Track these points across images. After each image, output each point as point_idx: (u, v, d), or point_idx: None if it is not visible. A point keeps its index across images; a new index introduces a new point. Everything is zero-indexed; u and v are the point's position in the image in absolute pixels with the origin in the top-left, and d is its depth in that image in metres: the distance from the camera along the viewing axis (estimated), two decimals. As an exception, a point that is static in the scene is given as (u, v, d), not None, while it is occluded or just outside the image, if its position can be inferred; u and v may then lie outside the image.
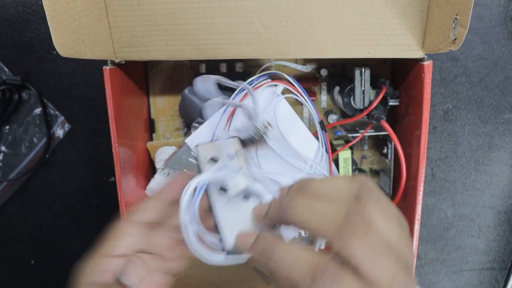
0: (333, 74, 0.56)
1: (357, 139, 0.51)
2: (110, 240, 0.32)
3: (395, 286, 0.22)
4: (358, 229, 0.23)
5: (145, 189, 0.53)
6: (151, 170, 0.57)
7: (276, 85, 0.50)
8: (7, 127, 0.60)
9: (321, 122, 0.51)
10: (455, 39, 0.38)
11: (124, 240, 0.31)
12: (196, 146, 0.27)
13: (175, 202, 0.32)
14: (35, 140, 0.60)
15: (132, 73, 0.52)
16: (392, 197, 0.51)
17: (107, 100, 0.45)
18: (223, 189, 0.27)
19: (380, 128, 0.49)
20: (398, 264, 0.23)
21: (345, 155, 0.52)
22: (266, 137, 0.31)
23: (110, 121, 0.46)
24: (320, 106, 0.57)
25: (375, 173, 0.59)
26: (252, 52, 0.45)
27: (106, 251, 0.31)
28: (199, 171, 0.30)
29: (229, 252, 0.29)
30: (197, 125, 0.52)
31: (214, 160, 0.27)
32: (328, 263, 0.23)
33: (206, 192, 0.28)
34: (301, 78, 0.51)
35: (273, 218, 0.28)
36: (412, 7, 0.42)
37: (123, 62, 0.47)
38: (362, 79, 0.49)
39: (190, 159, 0.50)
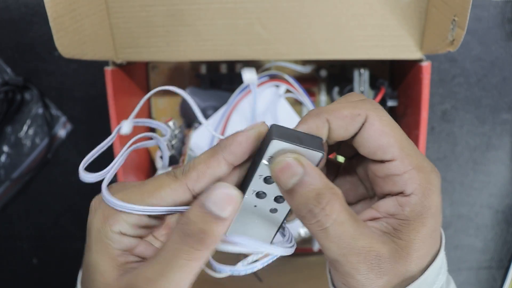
0: (333, 75, 0.56)
1: (356, 139, 0.52)
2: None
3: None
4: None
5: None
6: (152, 170, 0.57)
7: (277, 86, 0.51)
8: (10, 127, 0.60)
9: (320, 122, 0.51)
10: (453, 40, 0.38)
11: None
12: (273, 139, 0.23)
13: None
14: (37, 140, 0.60)
15: (133, 73, 0.52)
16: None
17: (109, 101, 0.46)
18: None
19: (378, 128, 0.50)
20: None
21: (344, 155, 0.53)
22: None
23: (111, 121, 0.47)
24: (319, 107, 0.58)
25: (374, 173, 0.59)
26: (252, 53, 0.45)
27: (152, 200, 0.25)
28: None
29: None
30: (197, 125, 0.53)
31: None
32: None
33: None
34: (301, 79, 0.51)
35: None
36: (411, 8, 0.43)
37: (125, 63, 0.48)
38: (361, 80, 0.50)
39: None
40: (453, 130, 0.60)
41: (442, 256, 0.26)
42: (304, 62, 0.55)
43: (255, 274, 0.50)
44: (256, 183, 0.25)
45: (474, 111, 0.59)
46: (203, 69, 0.54)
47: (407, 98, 0.50)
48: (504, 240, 0.63)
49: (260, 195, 0.25)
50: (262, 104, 0.50)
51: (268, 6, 0.43)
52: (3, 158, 0.61)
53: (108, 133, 0.47)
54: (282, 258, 0.26)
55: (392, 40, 0.44)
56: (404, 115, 0.51)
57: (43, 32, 0.58)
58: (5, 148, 0.61)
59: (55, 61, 0.58)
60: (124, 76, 0.49)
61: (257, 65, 0.55)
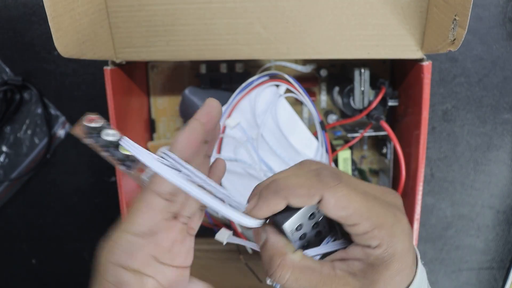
0: (333, 75, 0.56)
1: (357, 139, 0.51)
2: (135, 214, 0.29)
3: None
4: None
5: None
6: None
7: (277, 86, 0.50)
8: (9, 127, 0.60)
9: (321, 122, 0.51)
10: (454, 39, 0.38)
11: (149, 214, 0.29)
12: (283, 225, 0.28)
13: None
14: (36, 140, 0.60)
15: (133, 73, 0.52)
16: (392, 196, 0.51)
17: (108, 101, 0.46)
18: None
19: (379, 128, 0.49)
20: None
21: (344, 155, 0.53)
22: None
23: (110, 121, 0.46)
24: (320, 106, 0.57)
25: (374, 173, 0.59)
26: (252, 52, 0.45)
27: (131, 228, 0.28)
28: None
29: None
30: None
31: (298, 229, 0.29)
32: None
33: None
34: (301, 79, 0.51)
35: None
36: (411, 7, 0.42)
37: (124, 63, 0.48)
38: (361, 80, 0.50)
39: None
40: (454, 130, 0.60)
41: None
42: (304, 62, 0.55)
43: (254, 274, 0.50)
44: (293, 236, 0.29)
45: (475, 111, 0.59)
46: (203, 69, 0.54)
47: (407, 98, 0.50)
48: (505, 240, 0.63)
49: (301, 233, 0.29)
50: (262, 103, 0.50)
51: (268, 5, 0.43)
52: (2, 158, 0.61)
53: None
54: None
55: (393, 39, 0.44)
56: (404, 115, 0.51)
57: (42, 31, 0.57)
58: (4, 148, 0.60)
59: (54, 61, 0.58)
60: (124, 76, 0.49)
61: (257, 64, 0.54)
